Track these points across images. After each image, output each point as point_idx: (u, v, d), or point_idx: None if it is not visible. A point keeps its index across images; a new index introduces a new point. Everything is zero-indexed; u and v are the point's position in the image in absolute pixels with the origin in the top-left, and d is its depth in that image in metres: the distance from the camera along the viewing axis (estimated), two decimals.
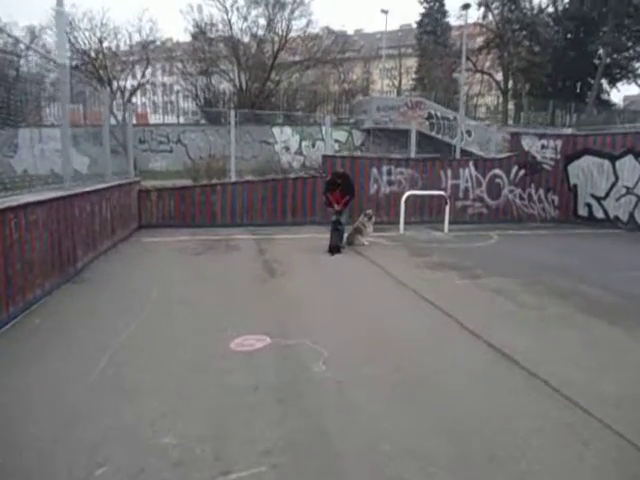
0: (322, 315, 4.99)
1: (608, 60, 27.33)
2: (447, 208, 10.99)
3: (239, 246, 8.95)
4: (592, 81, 28.38)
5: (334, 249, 8.35)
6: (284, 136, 19.64)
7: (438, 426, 2.89)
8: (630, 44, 27.93)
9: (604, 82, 29.59)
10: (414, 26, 43.80)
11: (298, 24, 25.28)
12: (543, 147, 13.08)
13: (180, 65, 23.67)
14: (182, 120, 22.03)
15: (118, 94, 22.09)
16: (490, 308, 5.29)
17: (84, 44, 22.42)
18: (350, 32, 41.38)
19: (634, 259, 8.49)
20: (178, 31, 58.98)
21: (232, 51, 22.00)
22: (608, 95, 31.21)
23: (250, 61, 22.13)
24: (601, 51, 27.86)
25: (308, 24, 24.77)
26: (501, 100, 31.25)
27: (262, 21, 24.41)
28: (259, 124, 19.15)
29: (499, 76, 30.88)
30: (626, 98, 38.06)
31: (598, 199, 12.75)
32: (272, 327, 4.53)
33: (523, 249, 9.32)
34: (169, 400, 3.15)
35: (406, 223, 10.88)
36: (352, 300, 5.57)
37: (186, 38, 25.84)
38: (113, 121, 13.53)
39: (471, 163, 12.76)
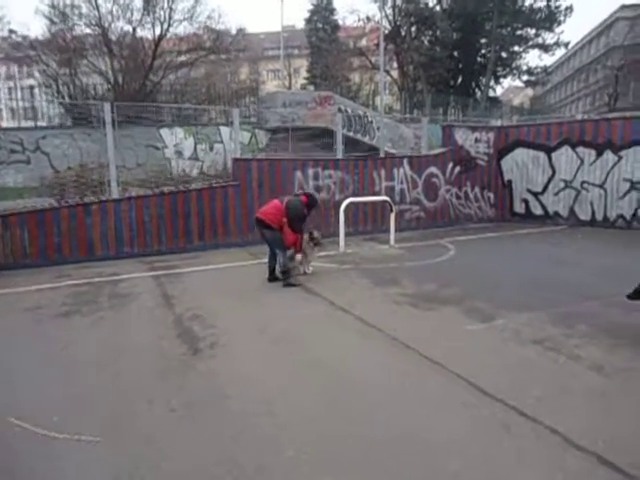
0: None
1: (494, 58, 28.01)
2: (392, 216, 9.14)
3: (133, 292, 6.18)
4: (482, 78, 29.04)
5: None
6: (175, 139, 16.50)
7: None
8: (511, 42, 28.83)
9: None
10: (298, 27, 42.45)
11: (184, 6, 21.47)
12: (477, 140, 11.91)
13: (33, 53, 18.86)
14: (42, 123, 17.68)
15: None
16: (566, 385, 3.34)
17: None
18: (233, 32, 38.54)
19: (623, 263, 7.29)
20: (28, 13, 50.06)
21: (101, 38, 18.19)
22: (494, 91, 32.40)
23: (125, 51, 18.45)
24: (487, 49, 28.56)
25: (196, 4, 21.36)
26: (396, 97, 30.84)
27: (138, 2, 20.58)
28: (143, 125, 15.84)
29: (395, 74, 30.45)
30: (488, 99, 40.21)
31: (535, 194, 11.88)
32: None
33: (495, 261, 7.78)
34: None
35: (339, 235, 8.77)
36: (353, 412, 3.28)
37: (37, 26, 21.09)
38: None
39: (405, 161, 11.13)
